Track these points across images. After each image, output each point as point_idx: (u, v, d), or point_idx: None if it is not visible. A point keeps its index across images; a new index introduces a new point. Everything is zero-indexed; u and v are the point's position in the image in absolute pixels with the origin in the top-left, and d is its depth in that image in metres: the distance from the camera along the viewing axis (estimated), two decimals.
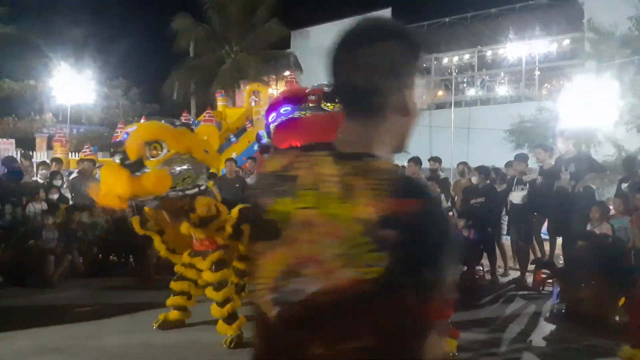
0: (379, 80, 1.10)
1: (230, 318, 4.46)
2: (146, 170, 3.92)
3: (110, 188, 3.87)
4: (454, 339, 4.17)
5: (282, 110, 3.29)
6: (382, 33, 1.13)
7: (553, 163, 7.05)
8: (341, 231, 1.02)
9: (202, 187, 4.34)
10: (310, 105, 3.30)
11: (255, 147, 15.18)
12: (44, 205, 7.31)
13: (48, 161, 9.56)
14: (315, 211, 1.06)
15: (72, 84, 18.93)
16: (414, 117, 1.15)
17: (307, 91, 3.40)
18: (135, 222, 4.68)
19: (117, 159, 3.96)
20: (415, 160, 7.58)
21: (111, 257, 7.80)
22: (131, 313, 5.50)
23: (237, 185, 8.64)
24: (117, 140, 4.21)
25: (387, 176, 1.05)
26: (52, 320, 5.20)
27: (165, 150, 4.01)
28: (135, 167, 3.89)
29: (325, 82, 3.38)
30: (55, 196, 7.64)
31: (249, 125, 16.34)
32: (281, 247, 1.08)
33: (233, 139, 15.62)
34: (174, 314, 4.92)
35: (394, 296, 0.99)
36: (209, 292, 4.52)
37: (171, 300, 4.91)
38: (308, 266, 1.04)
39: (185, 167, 4.12)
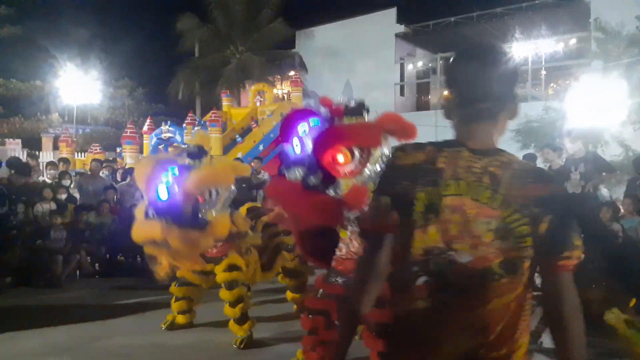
0: (501, 90, 1.43)
1: (242, 319, 4.49)
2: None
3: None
4: None
5: (312, 123, 3.25)
6: (504, 54, 1.46)
7: (562, 163, 7.00)
8: (493, 212, 1.33)
9: None
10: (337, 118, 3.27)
11: (261, 148, 15.23)
12: (53, 205, 7.33)
13: (56, 161, 9.59)
14: (464, 197, 1.35)
15: (78, 84, 19.00)
16: (513, 119, 1.51)
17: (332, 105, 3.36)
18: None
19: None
20: None
21: (119, 257, 7.82)
22: (139, 313, 5.51)
23: (243, 185, 8.64)
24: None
25: (524, 167, 1.43)
26: (60, 320, 5.22)
27: (217, 195, 4.18)
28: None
29: (340, 100, 3.37)
30: (63, 196, 7.66)
31: (254, 125, 16.35)
32: (430, 227, 1.35)
33: (238, 139, 15.64)
34: (180, 318, 4.93)
35: (542, 260, 1.38)
36: (222, 293, 4.55)
37: (176, 306, 4.91)
38: (460, 241, 1.33)
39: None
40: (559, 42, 19.53)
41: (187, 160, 4.17)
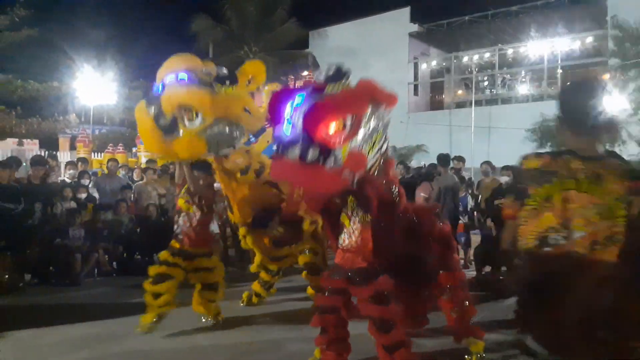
0: (599, 110, 2.12)
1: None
2: (179, 134, 3.95)
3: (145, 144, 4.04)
4: (480, 340, 4.13)
5: (295, 103, 3.26)
6: (599, 83, 2.27)
7: None
8: (598, 200, 2.03)
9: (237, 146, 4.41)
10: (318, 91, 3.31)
11: (274, 147, 15.18)
12: (72, 205, 7.43)
13: (74, 161, 9.73)
14: (575, 191, 2.05)
15: (94, 85, 19.24)
16: (612, 133, 2.30)
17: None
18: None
19: (151, 111, 3.96)
20: (459, 158, 8.71)
21: (136, 255, 7.90)
22: None
23: None
24: (154, 90, 4.08)
25: (622, 167, 2.11)
26: (78, 317, 5.29)
27: (200, 119, 3.99)
28: (169, 129, 3.93)
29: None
30: (83, 195, 7.76)
31: (268, 125, 16.38)
32: (547, 212, 2.10)
33: (252, 139, 15.65)
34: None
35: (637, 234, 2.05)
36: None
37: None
38: (574, 222, 2.04)
39: (219, 130, 4.11)
40: (576, 41, 19.30)
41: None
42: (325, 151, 3.10)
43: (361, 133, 3.17)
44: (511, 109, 19.35)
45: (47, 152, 14.38)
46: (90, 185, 8.19)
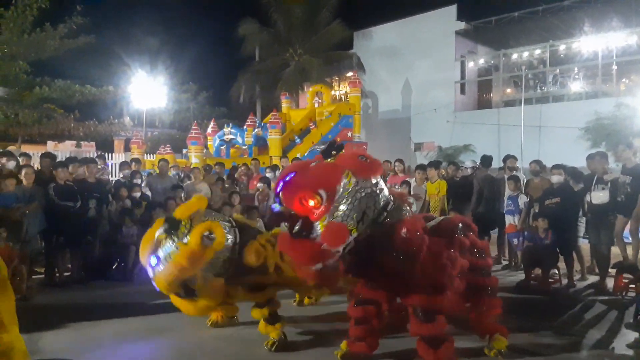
0: None
1: (272, 319, 4.42)
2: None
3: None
4: (504, 337, 4.17)
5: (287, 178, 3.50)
6: None
7: (637, 161, 6.67)
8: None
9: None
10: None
11: (319, 149, 15.37)
12: (126, 203, 7.76)
13: (128, 161, 10.15)
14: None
15: (147, 89, 19.98)
16: None
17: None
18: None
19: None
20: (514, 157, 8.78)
21: None
22: None
23: None
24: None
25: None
26: (133, 311, 5.54)
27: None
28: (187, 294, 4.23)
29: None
30: (138, 194, 8.09)
31: (312, 126, 16.53)
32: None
33: (297, 141, 15.84)
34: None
35: None
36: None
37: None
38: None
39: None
40: (632, 35, 18.42)
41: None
42: (307, 224, 3.33)
43: (342, 206, 3.28)
44: (563, 107, 18.66)
45: (97, 153, 15.07)
46: (142, 185, 8.53)
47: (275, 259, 4.33)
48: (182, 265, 3.84)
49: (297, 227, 3.38)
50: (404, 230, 3.44)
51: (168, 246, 3.91)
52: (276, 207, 3.67)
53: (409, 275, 3.53)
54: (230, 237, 4.15)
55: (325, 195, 3.26)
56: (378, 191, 3.44)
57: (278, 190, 3.50)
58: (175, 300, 4.28)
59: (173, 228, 3.95)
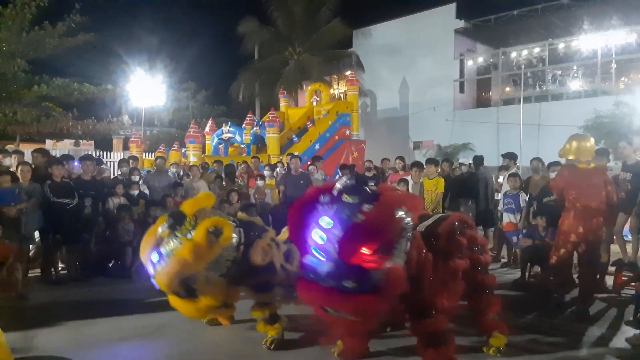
0: None
1: (271, 319, 4.41)
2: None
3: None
4: (503, 335, 4.16)
5: (323, 224, 3.19)
6: None
7: (638, 159, 6.66)
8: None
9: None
10: (334, 199, 3.26)
11: (317, 147, 15.34)
12: (123, 200, 7.73)
13: (126, 159, 10.12)
14: None
15: (145, 88, 19.94)
16: None
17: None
18: None
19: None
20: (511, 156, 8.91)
21: None
22: None
23: (302, 182, 8.78)
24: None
25: None
26: (130, 308, 5.52)
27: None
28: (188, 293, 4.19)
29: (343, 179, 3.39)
30: (135, 192, 8.06)
31: (310, 124, 16.50)
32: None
33: (295, 139, 15.82)
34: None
35: None
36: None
37: None
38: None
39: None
40: (631, 33, 18.38)
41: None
42: (363, 278, 3.04)
43: (396, 249, 3.16)
44: (562, 106, 18.62)
45: (99, 152, 15.04)
46: (140, 182, 8.50)
47: (280, 260, 4.30)
48: (185, 260, 3.75)
49: (352, 283, 3.03)
50: (412, 252, 3.35)
51: (172, 242, 3.86)
52: (312, 261, 3.21)
53: (415, 294, 3.42)
54: (235, 237, 4.10)
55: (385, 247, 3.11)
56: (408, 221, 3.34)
57: (312, 240, 3.20)
58: (174, 301, 4.21)
59: (177, 223, 3.89)
